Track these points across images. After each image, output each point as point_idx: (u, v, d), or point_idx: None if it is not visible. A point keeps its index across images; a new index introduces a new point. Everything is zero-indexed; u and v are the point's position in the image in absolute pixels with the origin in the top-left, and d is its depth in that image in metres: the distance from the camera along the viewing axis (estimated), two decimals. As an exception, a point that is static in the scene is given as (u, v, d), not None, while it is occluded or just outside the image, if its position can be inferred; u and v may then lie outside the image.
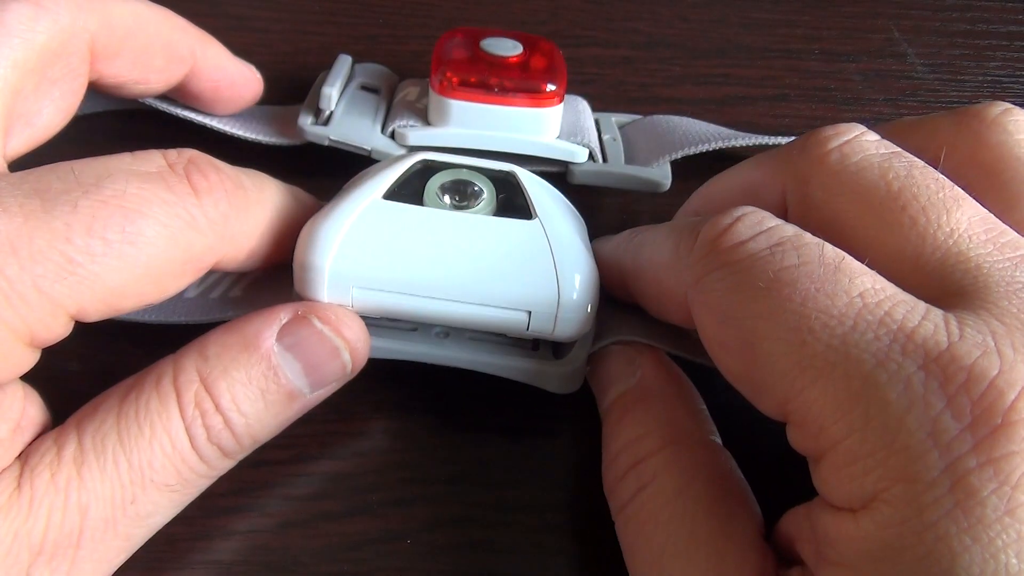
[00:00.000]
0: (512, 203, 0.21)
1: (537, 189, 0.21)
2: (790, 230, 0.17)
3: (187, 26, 0.24)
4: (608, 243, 0.22)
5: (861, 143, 0.19)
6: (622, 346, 0.22)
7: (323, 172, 0.25)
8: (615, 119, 0.28)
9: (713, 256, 0.17)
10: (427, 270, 0.19)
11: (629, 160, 0.26)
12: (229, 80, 0.25)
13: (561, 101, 0.24)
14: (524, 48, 0.25)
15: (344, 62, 0.26)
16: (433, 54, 0.24)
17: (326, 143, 0.25)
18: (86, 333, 0.18)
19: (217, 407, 0.17)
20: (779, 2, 0.38)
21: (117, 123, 0.28)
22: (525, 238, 0.20)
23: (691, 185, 0.23)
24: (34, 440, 0.17)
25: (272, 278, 0.22)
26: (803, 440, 0.16)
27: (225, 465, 0.18)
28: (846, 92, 0.34)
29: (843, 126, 0.19)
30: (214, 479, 0.19)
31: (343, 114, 0.26)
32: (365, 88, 0.26)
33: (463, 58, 0.24)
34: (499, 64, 0.24)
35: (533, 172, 0.22)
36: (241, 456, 0.19)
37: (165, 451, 0.17)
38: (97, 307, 0.17)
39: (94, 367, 0.22)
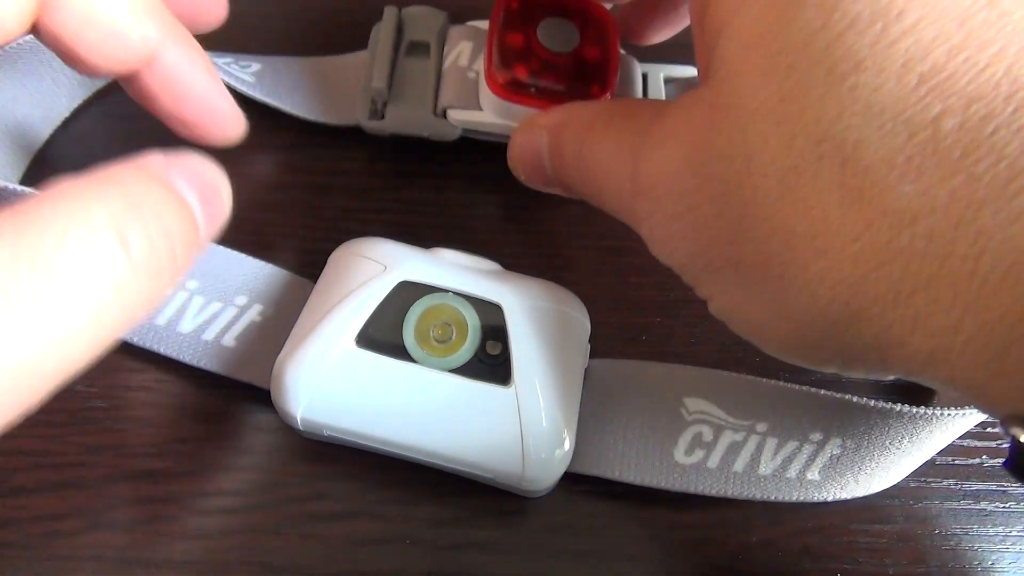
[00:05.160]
0: (491, 354, 0.20)
1: (522, 327, 0.21)
2: None
3: (160, 14, 0.21)
4: None
5: None
6: (519, 129, 0.23)
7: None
8: (664, 73, 0.27)
9: None
10: (396, 429, 0.20)
11: None
12: None
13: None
14: (580, 37, 0.24)
15: (390, 21, 0.26)
16: (490, 26, 0.24)
17: (386, 135, 0.26)
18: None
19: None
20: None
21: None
22: (497, 407, 0.20)
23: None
24: None
25: (262, 330, 0.22)
26: None
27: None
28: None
29: None
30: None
31: (396, 98, 0.26)
32: (415, 44, 0.26)
33: (517, 50, 0.24)
34: (551, 63, 0.24)
35: None
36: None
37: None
38: None
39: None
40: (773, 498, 0.21)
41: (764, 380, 0.21)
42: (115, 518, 0.21)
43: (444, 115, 0.25)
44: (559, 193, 0.23)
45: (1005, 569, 0.22)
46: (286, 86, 0.27)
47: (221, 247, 0.23)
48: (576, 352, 0.21)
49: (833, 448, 0.21)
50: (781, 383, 0.21)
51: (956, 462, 0.23)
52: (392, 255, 0.22)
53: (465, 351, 0.20)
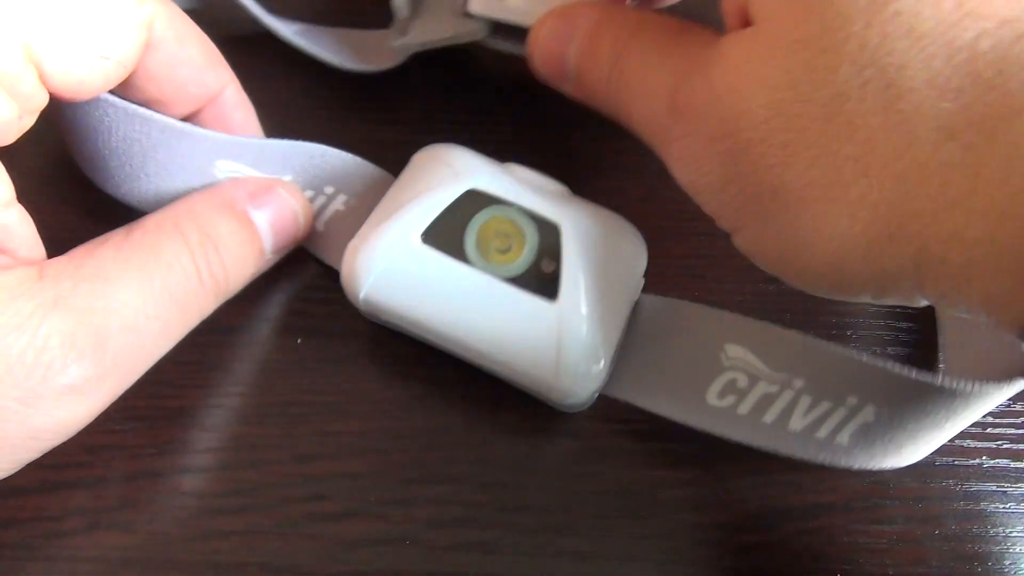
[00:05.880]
0: (544, 271, 0.21)
1: (576, 250, 0.21)
2: None
3: (222, 60, 0.23)
4: None
5: None
6: (554, 13, 0.22)
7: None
8: None
9: None
10: (446, 326, 0.21)
11: None
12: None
13: None
14: None
15: None
16: None
17: (415, 50, 0.26)
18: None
19: (216, 248, 0.20)
20: None
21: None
22: (541, 318, 0.21)
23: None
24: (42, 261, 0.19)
25: (346, 218, 0.24)
26: None
27: (213, 303, 0.21)
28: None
29: None
30: (204, 316, 0.21)
31: (418, 15, 0.26)
32: None
33: None
34: None
35: None
36: (223, 300, 0.21)
37: (185, 272, 0.20)
38: (48, 44, 0.17)
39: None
40: (799, 456, 0.21)
41: (809, 337, 0.21)
42: (115, 518, 0.21)
43: (465, 13, 0.25)
44: (566, 91, 0.23)
45: (1005, 569, 0.22)
46: (324, 42, 0.28)
47: (310, 144, 0.24)
48: (626, 282, 0.22)
49: (867, 415, 0.20)
50: (825, 342, 0.21)
51: (956, 462, 0.23)
52: (466, 164, 0.23)
53: (520, 263, 0.21)
